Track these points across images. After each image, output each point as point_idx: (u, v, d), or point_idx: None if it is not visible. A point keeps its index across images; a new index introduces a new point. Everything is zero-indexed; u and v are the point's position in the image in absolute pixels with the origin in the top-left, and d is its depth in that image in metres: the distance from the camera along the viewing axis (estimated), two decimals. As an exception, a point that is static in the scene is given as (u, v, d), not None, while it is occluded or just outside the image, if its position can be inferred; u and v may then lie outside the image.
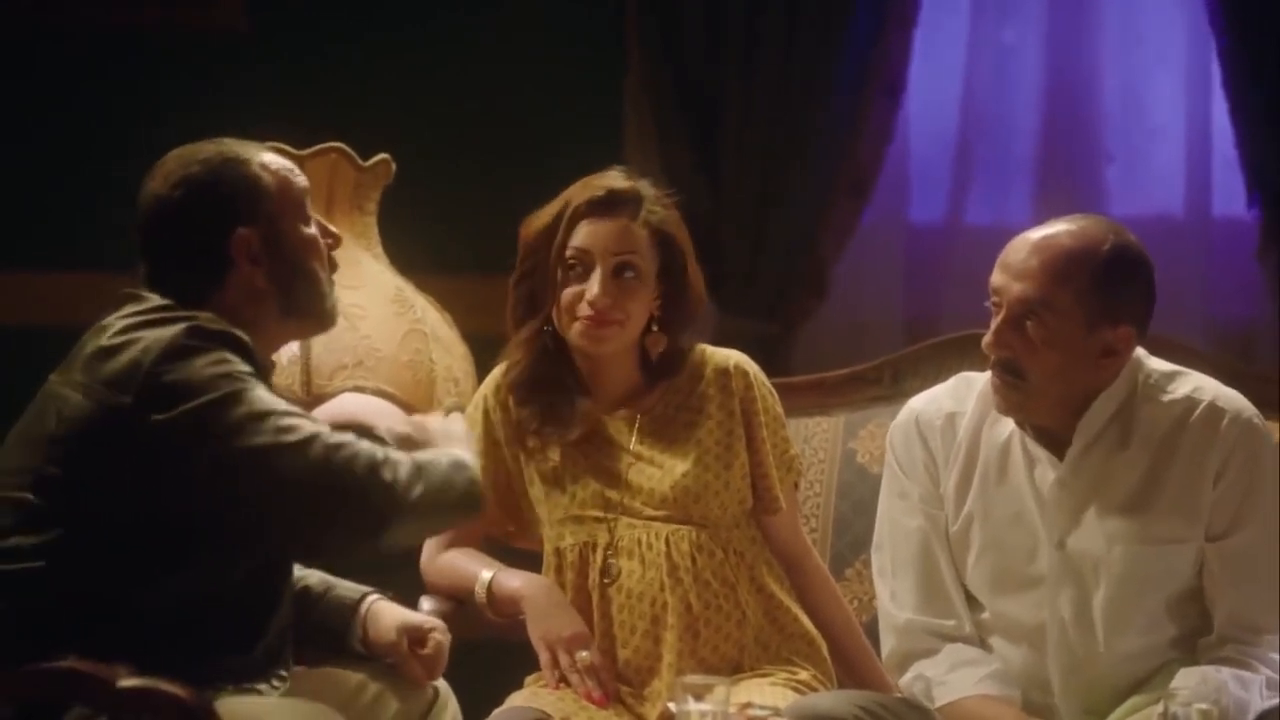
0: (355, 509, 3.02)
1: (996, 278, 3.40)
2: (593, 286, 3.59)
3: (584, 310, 3.59)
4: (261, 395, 3.03)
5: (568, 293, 3.61)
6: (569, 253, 3.61)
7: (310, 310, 3.27)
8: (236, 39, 5.11)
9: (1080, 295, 3.35)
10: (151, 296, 3.15)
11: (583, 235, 3.61)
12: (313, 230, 3.28)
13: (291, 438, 2.99)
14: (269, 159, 3.24)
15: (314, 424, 3.04)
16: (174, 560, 3.04)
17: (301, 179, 3.29)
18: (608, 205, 3.61)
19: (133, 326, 3.07)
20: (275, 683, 3.21)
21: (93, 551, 3.02)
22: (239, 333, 3.09)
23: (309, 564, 3.41)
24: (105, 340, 3.07)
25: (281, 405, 3.04)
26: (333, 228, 3.35)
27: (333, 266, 3.32)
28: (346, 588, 3.45)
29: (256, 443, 2.99)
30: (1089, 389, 3.42)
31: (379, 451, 3.06)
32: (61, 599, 3.03)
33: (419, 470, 3.08)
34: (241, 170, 3.20)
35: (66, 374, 3.09)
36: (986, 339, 3.40)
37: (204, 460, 2.99)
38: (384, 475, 3.02)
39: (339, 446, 3.01)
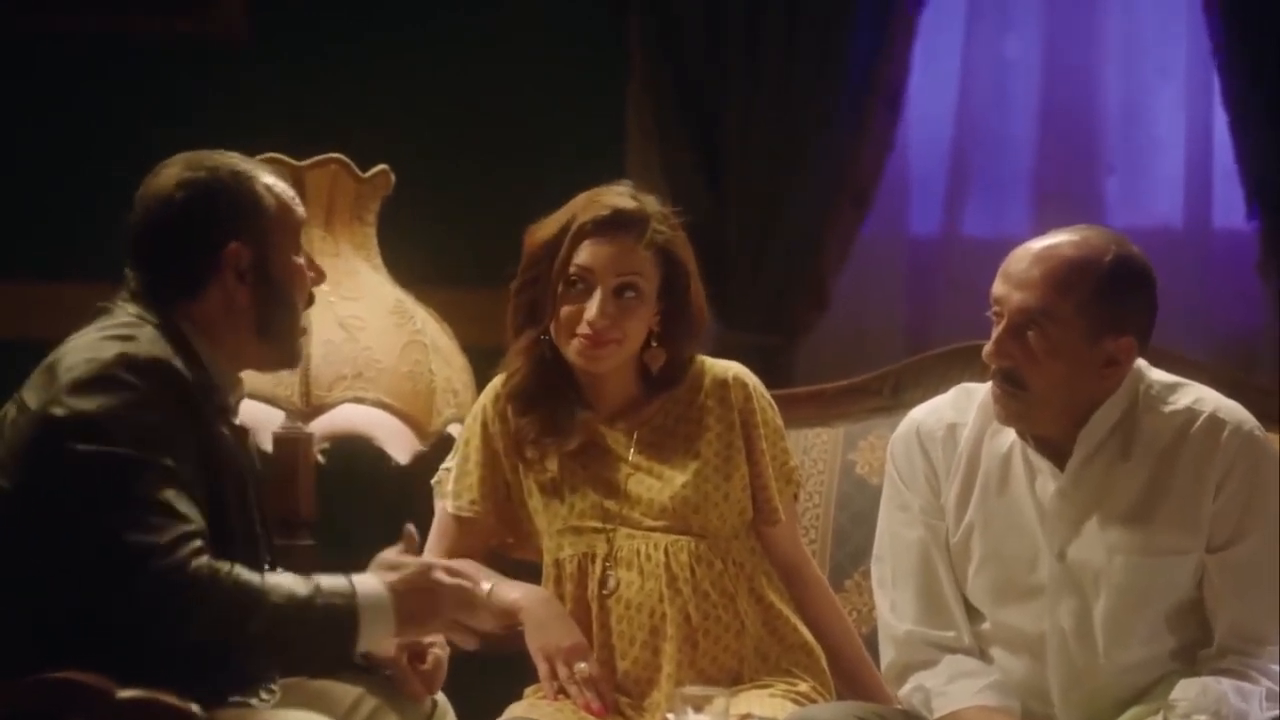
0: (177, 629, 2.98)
1: (998, 287, 3.40)
2: (591, 308, 3.58)
3: (582, 329, 3.59)
4: (143, 480, 2.99)
5: (567, 309, 3.61)
6: (571, 270, 3.60)
7: (281, 338, 3.26)
8: (237, 47, 5.11)
9: (1082, 305, 3.34)
10: (120, 309, 3.16)
11: (586, 254, 3.61)
12: (302, 260, 3.29)
13: (137, 538, 2.96)
14: (274, 182, 3.26)
15: (176, 529, 2.98)
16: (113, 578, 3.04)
17: (300, 209, 3.30)
18: (613, 225, 3.61)
19: (80, 345, 3.09)
20: (264, 695, 3.21)
21: (51, 566, 3.03)
22: (175, 363, 3.08)
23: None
24: (52, 355, 3.09)
25: (157, 497, 2.99)
26: (318, 264, 3.35)
27: (309, 302, 3.32)
28: None
29: (105, 526, 2.97)
30: (1090, 399, 3.42)
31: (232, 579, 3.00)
32: (47, 610, 3.03)
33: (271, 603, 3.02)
34: (246, 185, 3.22)
35: (20, 390, 3.11)
36: (987, 349, 3.40)
37: (64, 506, 3.00)
38: (214, 602, 2.97)
39: (185, 569, 2.96)
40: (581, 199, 3.65)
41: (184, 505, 3.00)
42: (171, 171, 3.21)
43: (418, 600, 3.14)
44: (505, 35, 5.08)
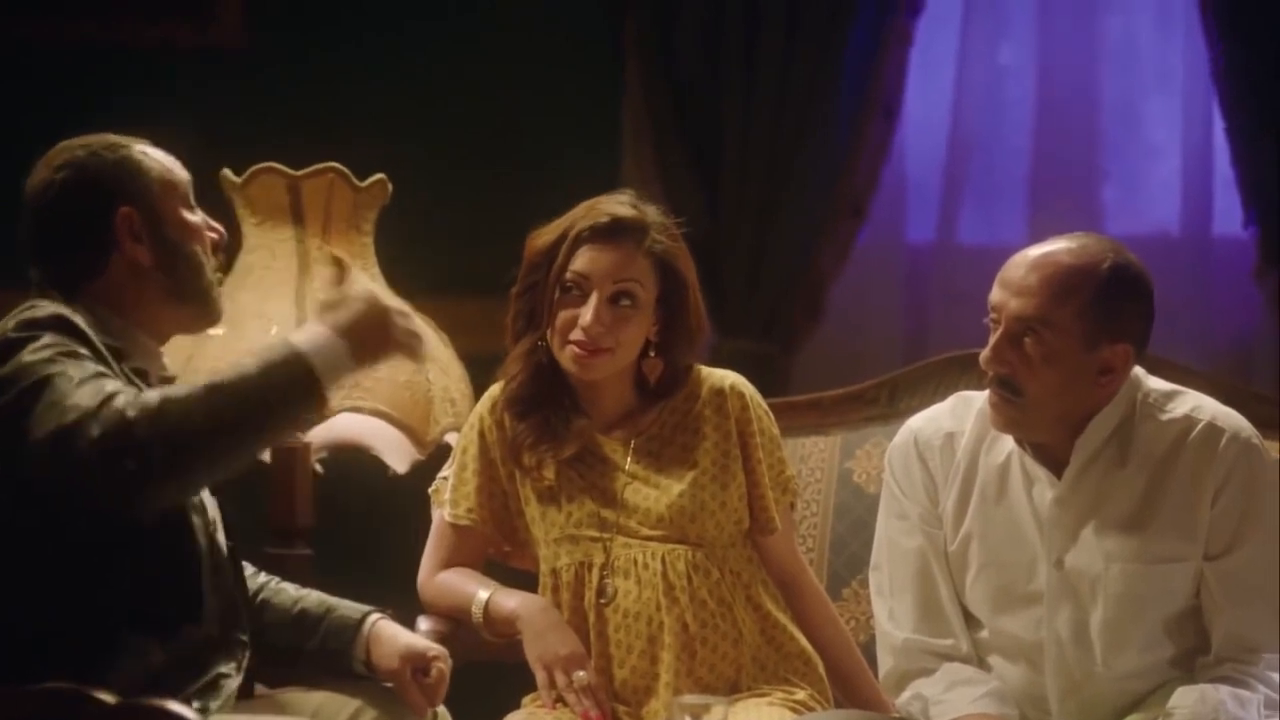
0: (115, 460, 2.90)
1: (995, 294, 3.40)
2: (586, 314, 3.58)
3: (577, 335, 3.59)
4: (60, 382, 2.94)
5: (563, 315, 3.61)
6: (568, 276, 3.61)
7: (194, 295, 3.26)
8: (234, 57, 5.12)
9: (1079, 312, 3.34)
10: (37, 302, 3.16)
11: (583, 260, 3.61)
12: (196, 217, 3.30)
13: (62, 420, 2.90)
14: (150, 149, 3.29)
15: (103, 390, 2.92)
16: (67, 569, 3.03)
17: (182, 171, 3.31)
18: (610, 233, 3.61)
19: None
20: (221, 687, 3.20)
21: (8, 567, 3.03)
22: (69, 314, 3.07)
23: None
24: None
25: (74, 384, 2.93)
26: (216, 224, 3.34)
27: (220, 264, 3.32)
28: (348, 608, 3.44)
29: (41, 431, 2.92)
30: (1087, 407, 3.42)
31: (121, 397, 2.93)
32: (28, 618, 3.04)
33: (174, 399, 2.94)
34: (122, 153, 3.25)
35: None
36: (984, 355, 3.40)
37: (14, 456, 2.97)
38: (126, 414, 2.89)
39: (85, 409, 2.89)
40: (582, 207, 3.66)
41: (111, 383, 2.96)
42: (48, 159, 3.25)
43: (365, 327, 3.09)
44: (502, 46, 5.09)
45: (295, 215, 4.22)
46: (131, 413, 2.89)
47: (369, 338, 3.10)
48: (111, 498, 2.93)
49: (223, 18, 5.14)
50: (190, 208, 3.29)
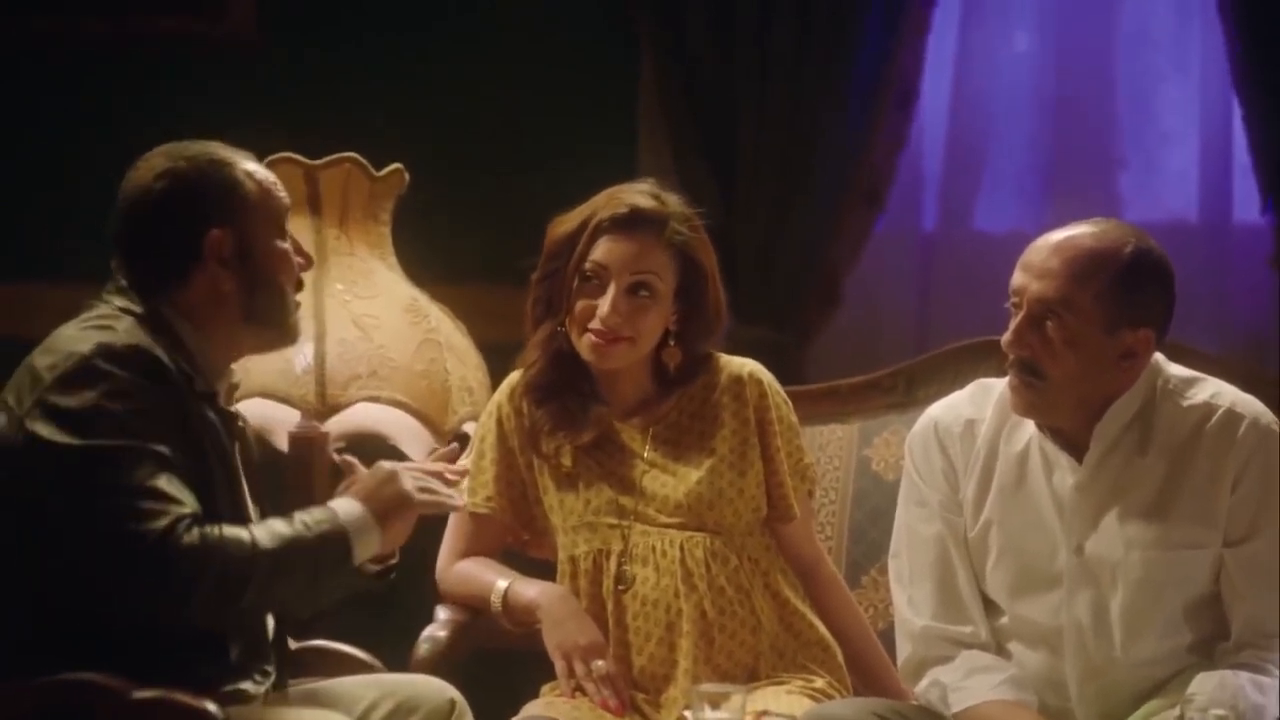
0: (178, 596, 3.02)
1: (1017, 278, 3.40)
2: (604, 304, 3.59)
3: (594, 325, 3.59)
4: (135, 470, 3.02)
5: (581, 304, 3.61)
6: (587, 265, 3.61)
7: (270, 321, 3.28)
8: (248, 48, 5.12)
9: (1100, 296, 3.35)
10: (103, 303, 3.17)
11: (602, 250, 3.61)
12: (287, 245, 3.29)
13: (131, 527, 2.99)
14: (254, 168, 3.27)
15: (170, 512, 3.01)
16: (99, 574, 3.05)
17: (283, 194, 3.31)
18: (630, 223, 3.61)
19: (58, 341, 3.10)
20: (258, 678, 3.22)
21: (51, 566, 3.04)
22: (154, 351, 3.10)
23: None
24: (33, 353, 3.11)
25: (147, 484, 3.01)
26: (306, 249, 3.37)
27: (299, 287, 3.33)
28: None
29: (100, 518, 3.00)
30: (1107, 392, 3.42)
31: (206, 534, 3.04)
32: (50, 611, 3.04)
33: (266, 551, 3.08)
34: (225, 172, 3.23)
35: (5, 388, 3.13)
36: (1006, 338, 3.40)
37: (60, 503, 3.02)
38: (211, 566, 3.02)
39: (172, 540, 3.00)
40: (604, 195, 3.66)
41: (175, 488, 3.02)
42: (151, 163, 3.24)
43: (384, 496, 3.22)
44: (518, 36, 5.08)
45: (313, 205, 4.22)
46: (193, 541, 2.99)
47: (390, 504, 3.23)
48: (157, 608, 3.02)
49: (235, 10, 5.14)
50: (283, 235, 3.29)
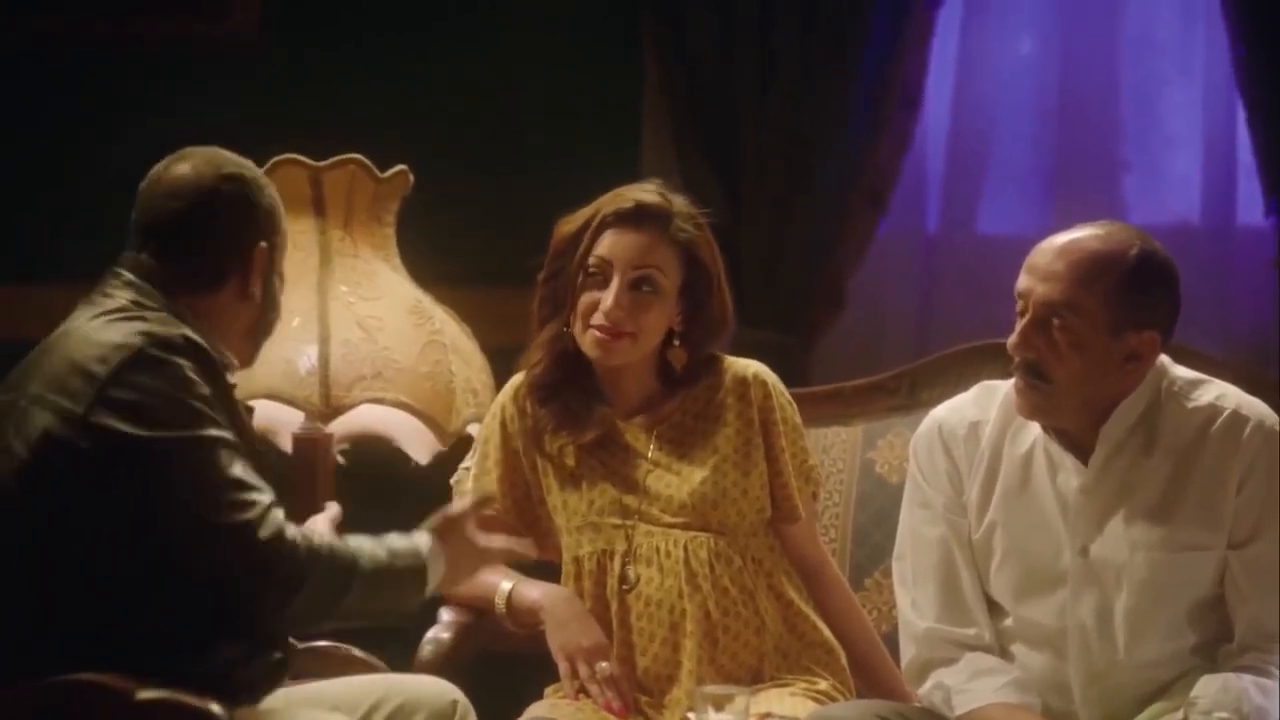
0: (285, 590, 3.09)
1: (1022, 280, 3.41)
2: (607, 298, 3.60)
3: (598, 319, 3.60)
4: (223, 455, 3.06)
5: (585, 299, 3.62)
6: (591, 260, 3.62)
7: (259, 339, 3.34)
8: (250, 49, 5.11)
9: (1106, 298, 3.35)
10: (109, 298, 3.18)
11: (606, 245, 3.62)
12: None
13: (226, 518, 3.04)
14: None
15: (258, 501, 3.08)
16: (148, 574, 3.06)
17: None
18: (635, 218, 3.62)
19: (91, 335, 3.10)
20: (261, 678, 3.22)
21: (69, 567, 3.03)
22: (198, 338, 3.13)
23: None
24: (56, 351, 3.11)
25: (227, 474, 3.06)
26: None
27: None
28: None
29: (188, 513, 3.03)
30: (1113, 394, 3.42)
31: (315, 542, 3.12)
32: (65, 613, 3.04)
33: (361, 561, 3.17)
34: (272, 192, 3.32)
35: (20, 388, 3.10)
36: (1011, 340, 3.40)
37: (140, 496, 3.03)
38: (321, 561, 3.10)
39: (277, 535, 3.06)
40: (610, 194, 3.68)
41: (251, 475, 3.09)
42: (219, 161, 3.27)
43: (459, 549, 3.32)
44: (522, 37, 5.08)
45: (317, 207, 4.22)
46: (301, 542, 3.09)
47: (462, 559, 3.35)
48: (275, 594, 3.09)
49: (237, 11, 5.13)
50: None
